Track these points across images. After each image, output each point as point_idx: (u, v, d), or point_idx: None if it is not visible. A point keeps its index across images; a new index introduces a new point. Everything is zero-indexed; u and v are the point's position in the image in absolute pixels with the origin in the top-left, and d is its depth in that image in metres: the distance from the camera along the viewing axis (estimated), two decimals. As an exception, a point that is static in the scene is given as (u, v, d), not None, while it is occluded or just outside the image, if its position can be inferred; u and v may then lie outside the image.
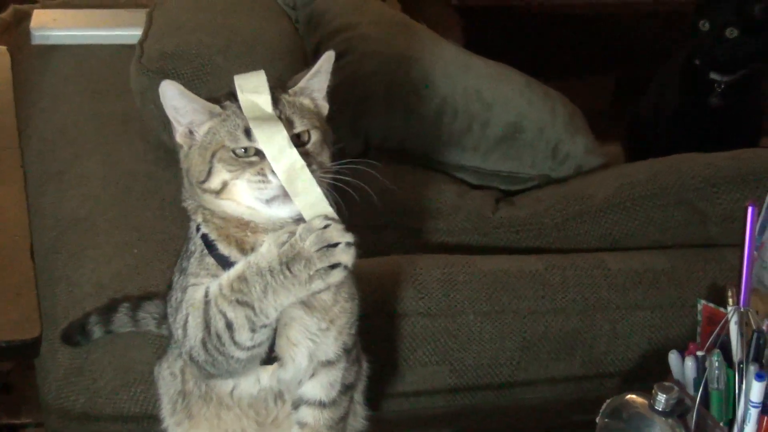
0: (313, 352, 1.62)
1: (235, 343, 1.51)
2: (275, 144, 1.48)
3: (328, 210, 1.49)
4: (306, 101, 1.59)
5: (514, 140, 2.56)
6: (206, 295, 1.52)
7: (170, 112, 1.58)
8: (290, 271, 1.46)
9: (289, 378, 1.65)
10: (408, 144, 2.55)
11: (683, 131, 3.30)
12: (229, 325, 1.50)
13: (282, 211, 1.52)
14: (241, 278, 1.49)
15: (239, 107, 1.53)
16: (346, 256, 1.48)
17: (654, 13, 4.38)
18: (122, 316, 2.02)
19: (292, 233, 1.48)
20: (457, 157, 2.56)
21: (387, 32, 2.64)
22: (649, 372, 2.16)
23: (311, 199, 1.49)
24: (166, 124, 2.34)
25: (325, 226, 1.47)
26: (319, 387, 1.66)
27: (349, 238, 1.48)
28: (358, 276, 1.67)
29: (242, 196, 1.53)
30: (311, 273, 1.46)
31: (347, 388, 1.70)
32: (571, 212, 2.36)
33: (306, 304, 1.59)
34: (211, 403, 1.71)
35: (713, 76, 3.22)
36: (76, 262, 2.24)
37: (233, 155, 1.52)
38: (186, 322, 1.55)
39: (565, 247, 2.34)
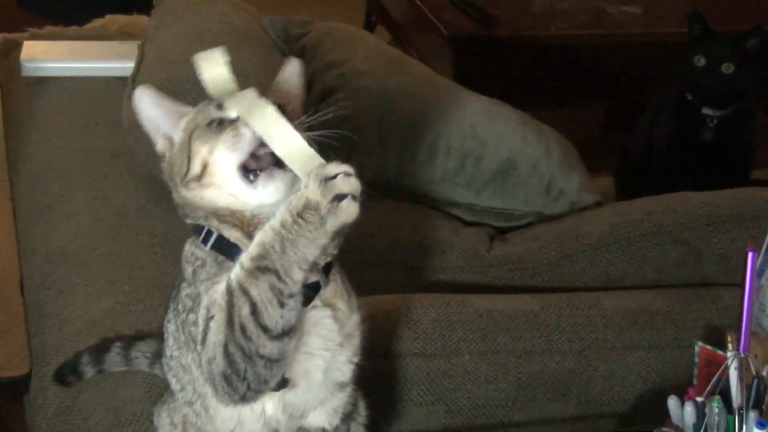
0: (329, 366, 1.60)
1: (264, 328, 1.46)
2: (245, 102, 1.50)
3: (316, 157, 1.47)
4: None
5: (508, 177, 2.54)
6: (228, 285, 1.48)
7: (148, 123, 1.60)
8: (303, 219, 1.43)
9: (298, 401, 1.62)
10: (401, 180, 2.54)
11: (675, 165, 3.30)
12: (254, 308, 1.45)
13: (267, 190, 1.52)
14: (259, 244, 1.46)
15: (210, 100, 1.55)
16: (346, 185, 1.44)
17: (643, 44, 4.39)
18: (114, 356, 1.99)
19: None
20: (451, 193, 2.55)
21: (380, 67, 2.63)
22: (645, 411, 2.16)
23: (294, 146, 1.46)
24: (159, 159, 2.37)
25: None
26: (324, 415, 1.65)
27: (346, 168, 1.45)
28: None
29: (222, 174, 1.53)
30: (322, 214, 1.43)
31: (347, 417, 1.69)
32: (566, 250, 2.35)
33: (328, 305, 1.59)
34: None
35: (706, 111, 3.22)
36: (66, 299, 2.22)
37: (207, 128, 1.54)
38: (206, 333, 1.50)
39: (560, 286, 2.32)
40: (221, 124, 1.53)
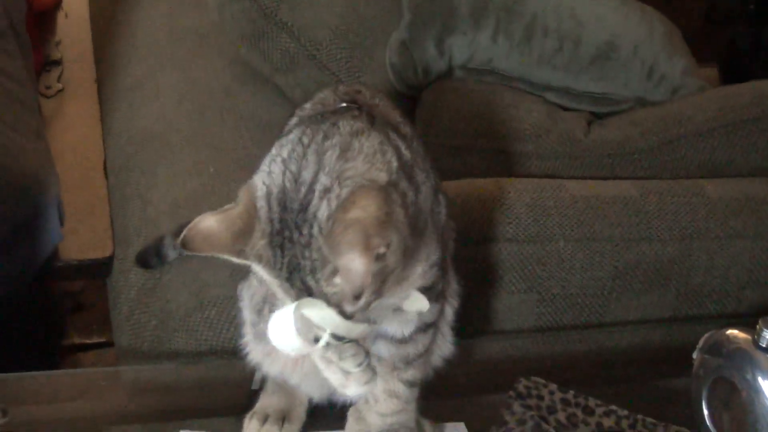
0: None
1: None
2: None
3: None
4: None
5: (608, 60, 2.43)
6: None
7: None
8: None
9: None
10: (495, 63, 2.43)
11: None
12: None
13: None
14: None
15: None
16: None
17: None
18: (198, 237, 1.94)
19: None
20: (547, 77, 2.45)
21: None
22: (749, 307, 2.07)
23: None
24: (245, 38, 2.31)
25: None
26: (388, 323, 1.53)
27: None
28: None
29: None
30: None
31: (427, 327, 1.53)
32: (669, 136, 2.24)
33: None
34: None
35: None
36: (149, 180, 2.18)
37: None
38: None
39: (662, 173, 2.22)
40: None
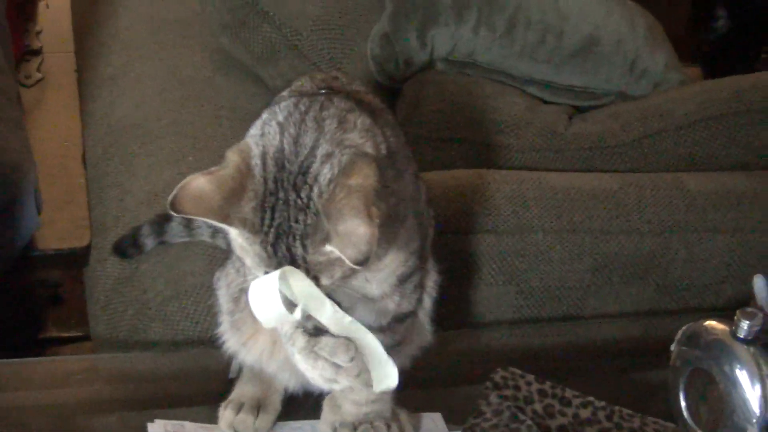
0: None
1: None
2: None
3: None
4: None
5: (590, 53, 2.43)
6: None
7: None
8: None
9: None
10: (477, 56, 2.43)
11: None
12: None
13: None
14: None
15: None
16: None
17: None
18: (176, 226, 1.93)
19: None
20: (529, 69, 2.44)
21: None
22: (727, 301, 2.07)
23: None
24: (226, 27, 2.30)
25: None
26: (367, 313, 1.48)
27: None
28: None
29: None
30: None
31: (404, 317, 1.52)
32: (649, 129, 2.24)
33: None
34: None
35: None
36: (128, 170, 2.17)
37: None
38: None
39: (642, 167, 2.22)
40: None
